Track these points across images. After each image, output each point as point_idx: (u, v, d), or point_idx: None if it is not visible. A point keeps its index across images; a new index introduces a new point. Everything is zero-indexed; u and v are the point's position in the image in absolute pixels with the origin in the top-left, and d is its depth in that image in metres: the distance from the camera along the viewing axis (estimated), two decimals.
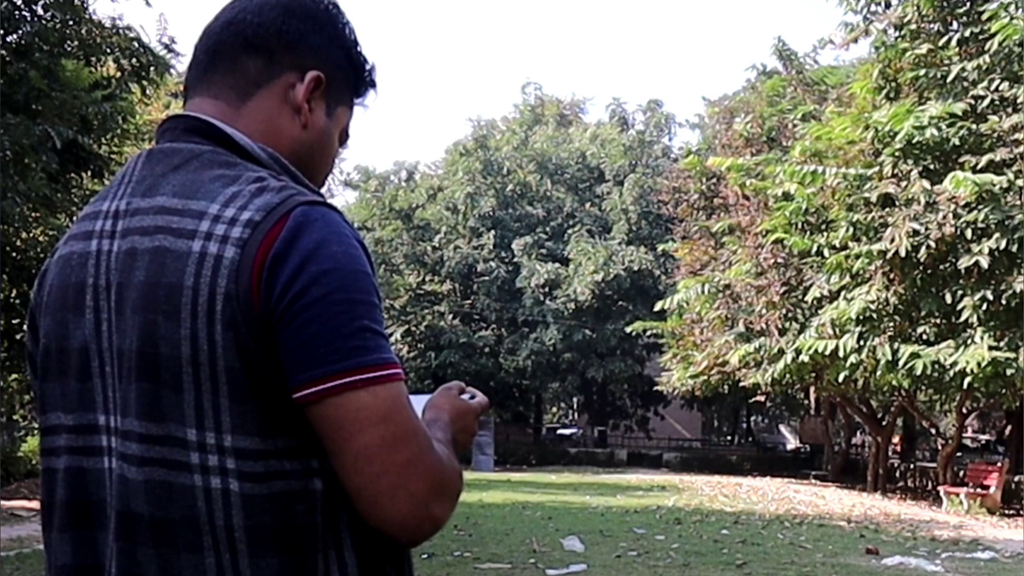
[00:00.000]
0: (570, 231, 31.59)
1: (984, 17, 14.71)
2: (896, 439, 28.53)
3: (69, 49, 11.16)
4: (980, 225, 14.23)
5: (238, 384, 1.07)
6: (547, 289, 30.86)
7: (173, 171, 1.15)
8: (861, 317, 15.48)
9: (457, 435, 1.26)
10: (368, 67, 1.31)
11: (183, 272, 1.07)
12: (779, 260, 18.49)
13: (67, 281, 1.17)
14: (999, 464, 19.83)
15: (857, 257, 15.40)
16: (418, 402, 1.28)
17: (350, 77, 1.29)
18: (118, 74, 11.63)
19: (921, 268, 15.17)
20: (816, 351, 16.33)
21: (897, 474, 25.33)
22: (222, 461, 1.07)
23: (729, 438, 43.95)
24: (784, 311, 18.51)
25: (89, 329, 1.14)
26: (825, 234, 16.58)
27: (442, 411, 1.27)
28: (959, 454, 23.25)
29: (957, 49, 15.50)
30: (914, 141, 14.94)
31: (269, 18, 1.22)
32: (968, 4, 15.54)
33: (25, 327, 1.30)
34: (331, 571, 1.10)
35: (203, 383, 1.07)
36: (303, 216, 1.08)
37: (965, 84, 15.27)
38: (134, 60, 11.41)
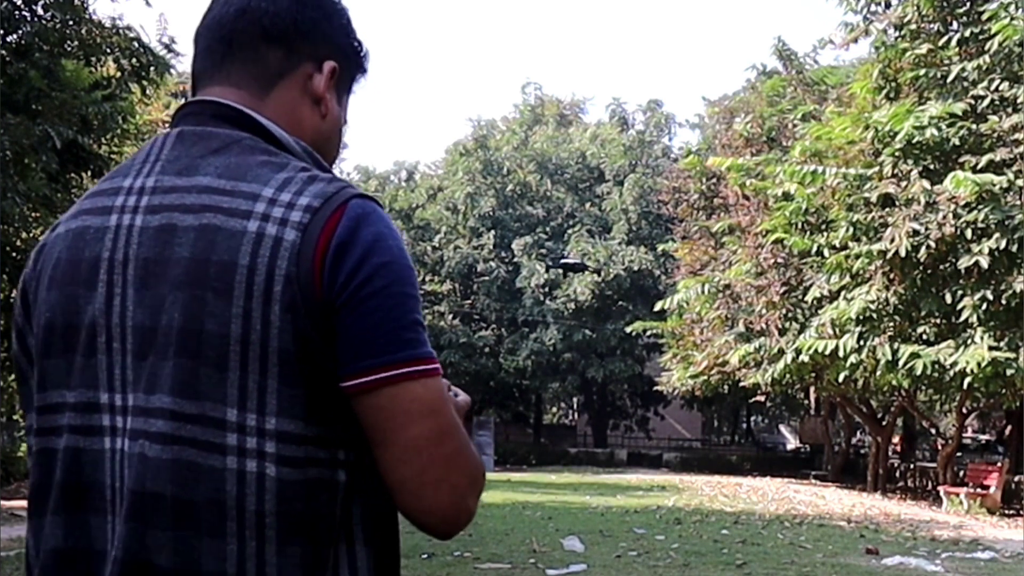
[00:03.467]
0: (570, 231, 31.59)
1: (984, 17, 14.71)
2: (896, 439, 28.53)
3: (69, 49, 11.15)
4: (980, 225, 14.23)
5: (289, 367, 1.06)
6: (547, 289, 30.87)
7: (213, 154, 1.14)
8: (861, 317, 15.48)
9: None
10: (363, 53, 1.32)
11: (237, 251, 1.07)
12: (779, 260, 18.49)
13: (79, 255, 1.15)
14: (999, 464, 19.83)
15: (857, 257, 15.39)
16: None
17: (354, 65, 1.31)
18: (118, 74, 11.61)
19: (921, 268, 15.17)
20: (816, 351, 16.33)
21: (897, 474, 25.33)
22: (260, 444, 1.06)
23: (729, 438, 43.97)
24: (784, 311, 18.51)
25: (100, 304, 1.12)
26: (825, 234, 16.57)
27: None
28: (959, 454, 23.25)
29: (957, 49, 15.49)
30: (914, 141, 14.94)
31: (283, 6, 1.22)
32: (968, 4, 15.53)
33: (15, 303, 1.25)
34: (340, 563, 1.11)
35: (251, 363, 1.06)
36: (361, 208, 1.10)
37: (965, 84, 15.27)
38: (134, 60, 11.40)
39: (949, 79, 15.26)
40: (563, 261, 30.12)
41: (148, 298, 1.10)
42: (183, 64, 14.63)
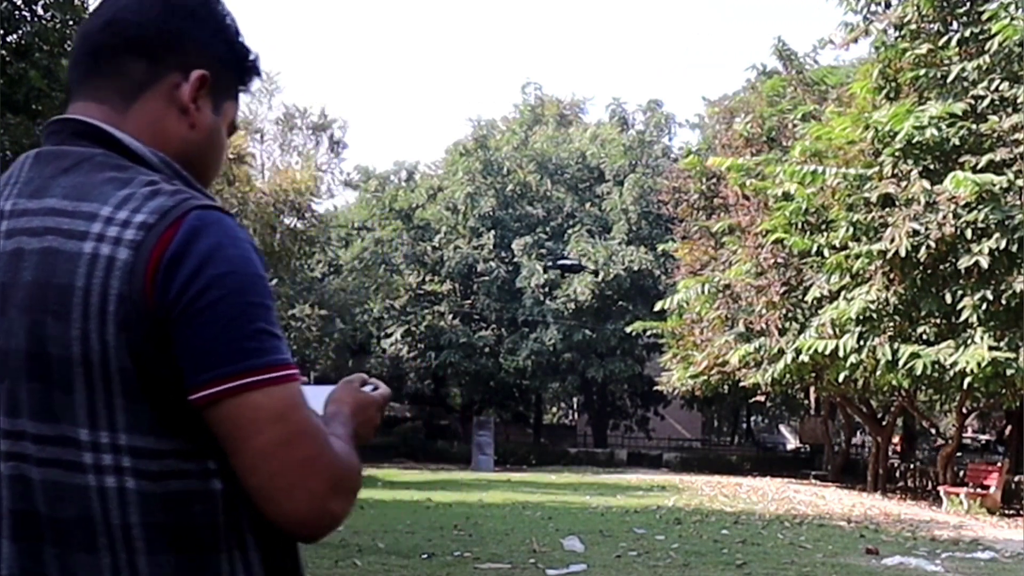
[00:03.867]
0: (570, 231, 31.58)
1: (984, 17, 14.71)
2: (896, 439, 28.53)
3: (69, 49, 11.14)
4: (980, 225, 14.23)
5: (131, 384, 1.08)
6: (547, 289, 30.87)
7: (63, 174, 1.14)
8: (861, 317, 15.47)
9: (359, 428, 1.28)
10: (252, 57, 1.31)
11: (74, 273, 1.08)
12: (779, 260, 18.49)
13: None
14: (999, 464, 19.83)
15: (857, 257, 15.39)
16: (321, 393, 1.31)
17: (235, 69, 1.29)
18: None
19: (921, 268, 15.17)
20: (816, 351, 16.32)
21: (897, 474, 25.33)
22: (117, 460, 1.08)
23: (729, 438, 43.95)
24: (784, 311, 18.51)
25: None
26: (825, 234, 16.57)
27: (344, 404, 1.29)
28: (959, 454, 23.25)
29: (957, 49, 15.49)
30: (914, 141, 14.93)
31: (149, 17, 1.21)
32: (968, 4, 15.53)
33: None
34: (236, 570, 1.12)
35: (95, 383, 1.08)
36: (198, 220, 1.09)
37: (965, 84, 15.27)
38: None
39: (949, 79, 15.26)
40: (560, 262, 30.10)
41: (4, 323, 1.11)
42: None
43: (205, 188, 1.25)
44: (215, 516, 1.11)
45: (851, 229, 15.66)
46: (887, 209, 15.39)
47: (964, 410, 20.97)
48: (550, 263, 30.60)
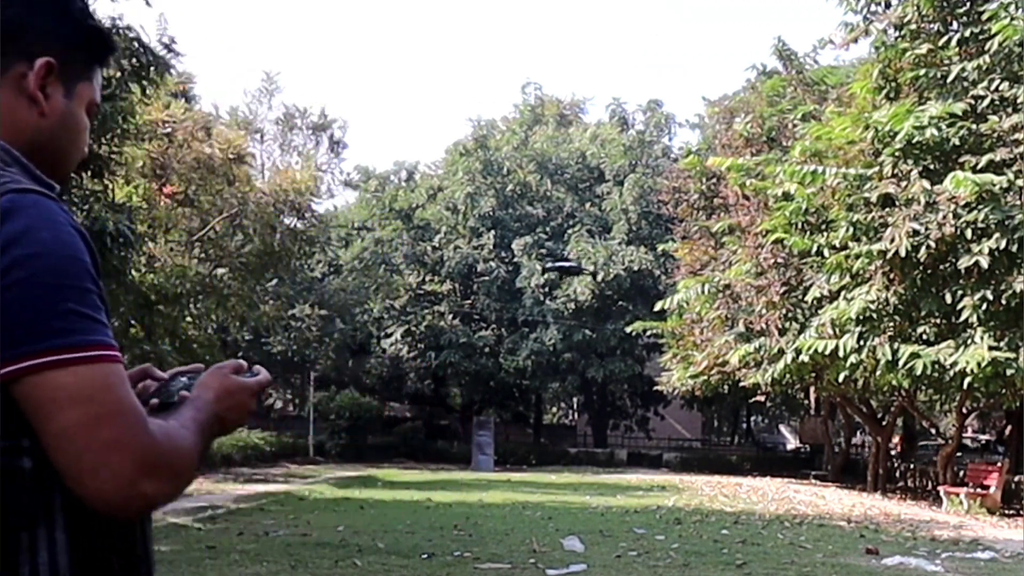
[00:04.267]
0: (570, 231, 31.60)
1: (984, 17, 14.71)
2: (896, 439, 28.52)
3: None
4: (980, 225, 14.23)
5: None
6: (547, 289, 30.88)
7: None
8: (861, 317, 15.47)
9: (224, 413, 1.28)
10: (103, 34, 1.31)
11: None
12: (779, 260, 18.49)
13: None
14: (999, 464, 19.83)
15: (857, 257, 15.39)
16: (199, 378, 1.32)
17: (85, 51, 1.29)
18: (118, 74, 11.59)
19: (921, 268, 15.16)
20: (816, 351, 16.32)
21: (897, 474, 25.32)
22: None
23: (729, 438, 43.96)
24: (784, 311, 18.51)
25: None
26: (825, 234, 16.57)
27: (207, 390, 1.29)
28: (959, 454, 23.25)
29: (957, 49, 15.49)
30: (914, 141, 14.93)
31: None
32: (968, 4, 15.53)
33: None
34: (38, 549, 1.12)
35: None
36: (10, 203, 1.10)
37: (965, 84, 15.26)
38: (134, 60, 11.37)
39: (949, 79, 15.26)
40: (557, 264, 30.08)
41: None
42: (183, 64, 14.63)
43: (66, 172, 1.27)
44: (20, 495, 1.11)
45: (851, 229, 15.66)
46: (887, 209, 15.39)
47: (964, 410, 20.97)
48: (549, 263, 30.63)
